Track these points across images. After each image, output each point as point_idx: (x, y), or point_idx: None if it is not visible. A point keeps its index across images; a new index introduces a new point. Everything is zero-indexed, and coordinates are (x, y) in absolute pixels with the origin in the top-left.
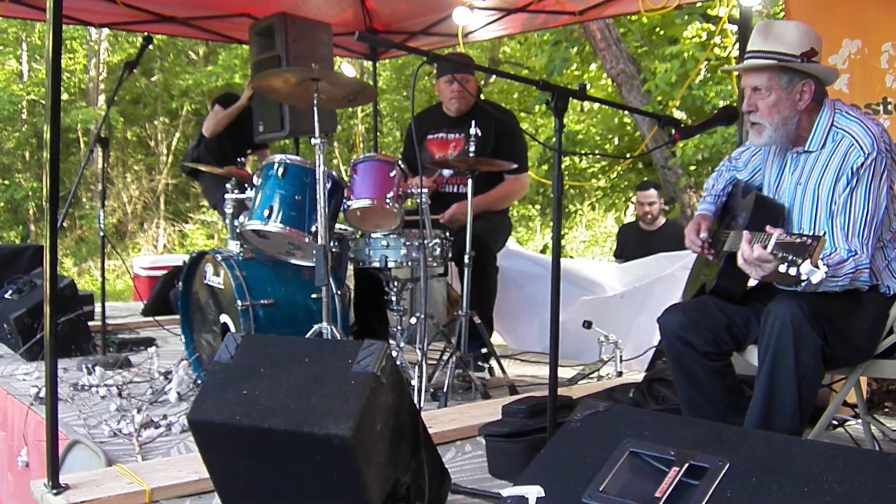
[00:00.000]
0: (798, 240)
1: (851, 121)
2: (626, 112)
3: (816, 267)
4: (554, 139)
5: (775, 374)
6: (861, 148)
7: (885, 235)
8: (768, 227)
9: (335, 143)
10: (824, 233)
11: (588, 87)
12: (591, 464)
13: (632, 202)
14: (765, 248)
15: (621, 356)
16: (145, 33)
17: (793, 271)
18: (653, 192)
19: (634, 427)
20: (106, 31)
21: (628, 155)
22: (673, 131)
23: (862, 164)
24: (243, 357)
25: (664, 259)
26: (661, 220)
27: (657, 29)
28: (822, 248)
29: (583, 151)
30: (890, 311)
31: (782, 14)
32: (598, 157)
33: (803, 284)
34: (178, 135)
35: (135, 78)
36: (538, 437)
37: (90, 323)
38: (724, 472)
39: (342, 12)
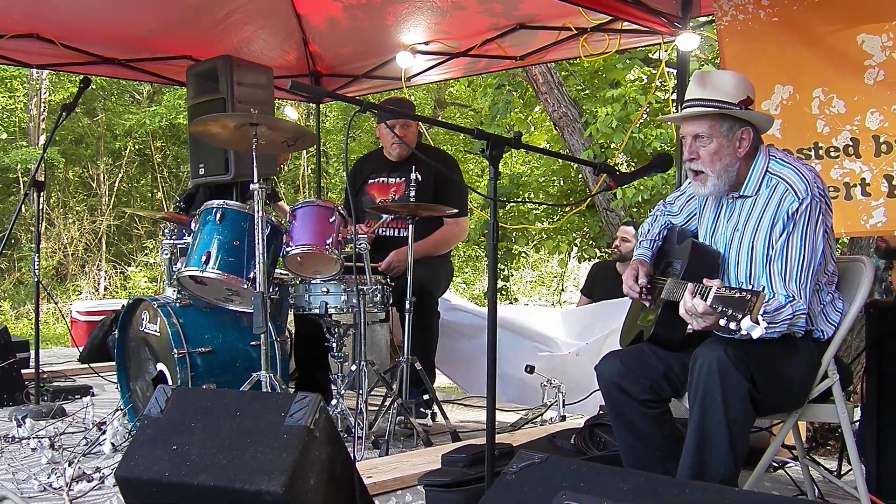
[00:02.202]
0: (738, 294)
1: (785, 167)
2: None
3: (757, 322)
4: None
5: (705, 420)
6: (795, 193)
7: (821, 279)
8: (706, 280)
9: (281, 184)
10: (763, 287)
11: (532, 129)
12: None
13: (576, 244)
14: (704, 300)
15: (564, 400)
16: (83, 75)
17: (733, 326)
18: (629, 230)
19: (570, 478)
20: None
21: (566, 202)
22: (607, 178)
23: (797, 210)
24: (174, 411)
25: (608, 307)
26: None
27: (599, 72)
28: (761, 303)
29: (520, 198)
30: (823, 357)
31: (718, 60)
32: (537, 203)
33: (738, 334)
34: (121, 175)
35: (77, 118)
36: (478, 486)
37: (24, 371)
38: None
39: (285, 55)
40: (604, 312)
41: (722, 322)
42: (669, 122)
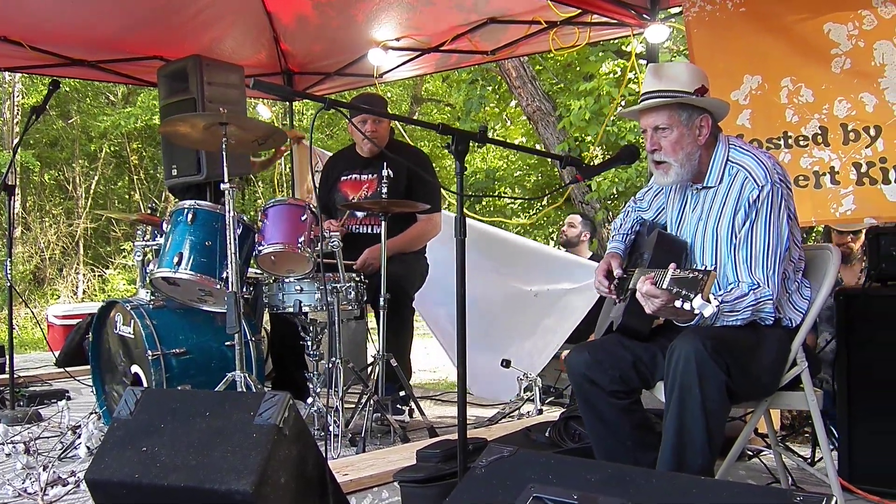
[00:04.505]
0: (690, 275)
1: (745, 155)
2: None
3: (708, 301)
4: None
5: (683, 412)
6: (755, 180)
7: (787, 267)
8: (672, 265)
9: (259, 184)
10: (715, 267)
11: (508, 123)
12: None
13: (552, 238)
14: (659, 283)
15: (541, 394)
16: (52, 78)
17: (686, 306)
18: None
19: (539, 471)
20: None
21: (537, 196)
22: (574, 171)
23: (758, 197)
24: (143, 412)
25: (578, 267)
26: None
27: (573, 65)
28: (712, 281)
29: (495, 193)
30: (792, 344)
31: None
32: (507, 198)
33: (696, 319)
34: (97, 177)
35: (51, 120)
36: (453, 481)
37: None
38: None
39: (256, 53)
40: (571, 270)
41: (677, 303)
42: (628, 118)
